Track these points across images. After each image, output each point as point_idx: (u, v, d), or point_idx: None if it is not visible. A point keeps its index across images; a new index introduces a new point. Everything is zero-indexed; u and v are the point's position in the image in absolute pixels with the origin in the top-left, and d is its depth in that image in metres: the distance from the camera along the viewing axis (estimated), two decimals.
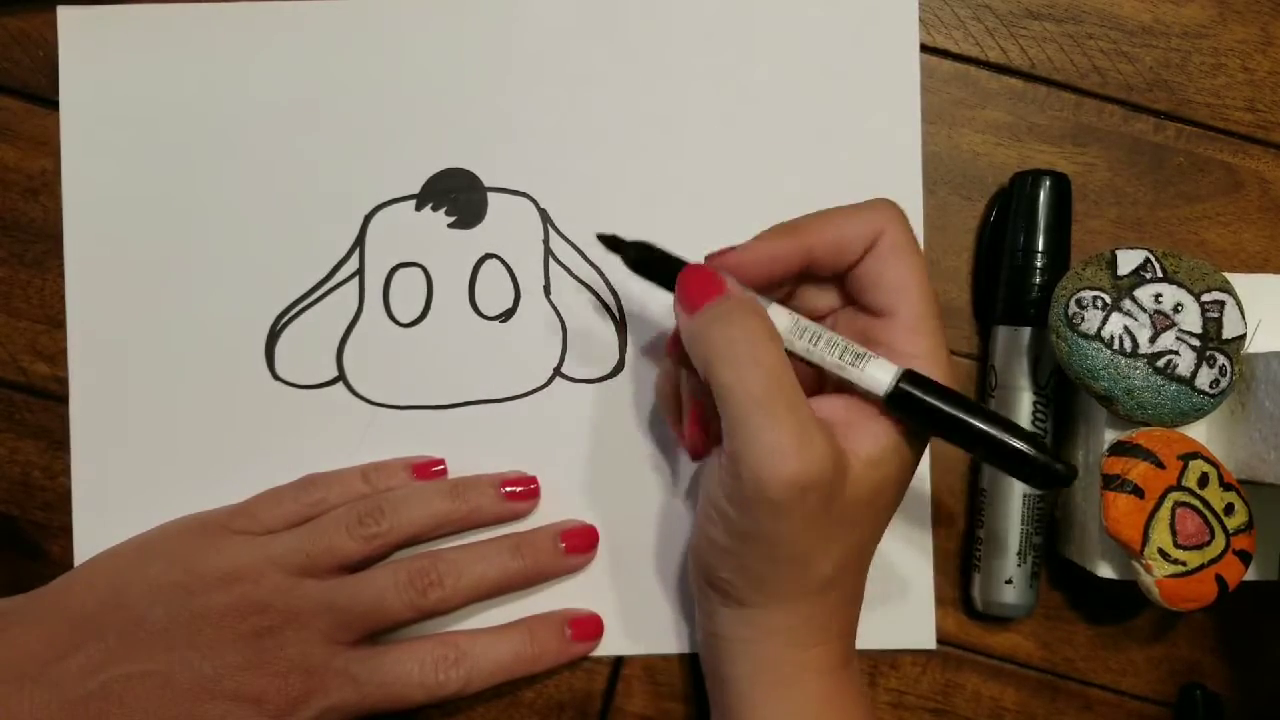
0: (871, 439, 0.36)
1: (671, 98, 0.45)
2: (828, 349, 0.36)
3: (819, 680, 0.38)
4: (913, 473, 0.38)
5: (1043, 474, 0.35)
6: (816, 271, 0.38)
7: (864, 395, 0.36)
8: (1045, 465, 0.35)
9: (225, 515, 0.42)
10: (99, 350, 0.44)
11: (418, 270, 0.45)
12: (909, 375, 0.36)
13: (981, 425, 0.35)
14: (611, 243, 0.40)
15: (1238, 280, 0.41)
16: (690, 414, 0.40)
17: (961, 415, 0.35)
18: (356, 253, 0.45)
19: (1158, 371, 0.40)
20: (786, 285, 0.39)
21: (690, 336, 0.36)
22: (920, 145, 0.45)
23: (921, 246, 0.45)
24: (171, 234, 0.45)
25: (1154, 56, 0.46)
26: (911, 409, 0.36)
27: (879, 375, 0.36)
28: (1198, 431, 0.42)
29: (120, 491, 0.44)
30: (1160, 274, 0.41)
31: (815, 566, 0.36)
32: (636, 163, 0.45)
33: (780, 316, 0.37)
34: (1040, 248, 0.43)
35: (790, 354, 0.36)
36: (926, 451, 0.44)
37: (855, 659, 0.40)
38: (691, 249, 0.45)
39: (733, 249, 0.38)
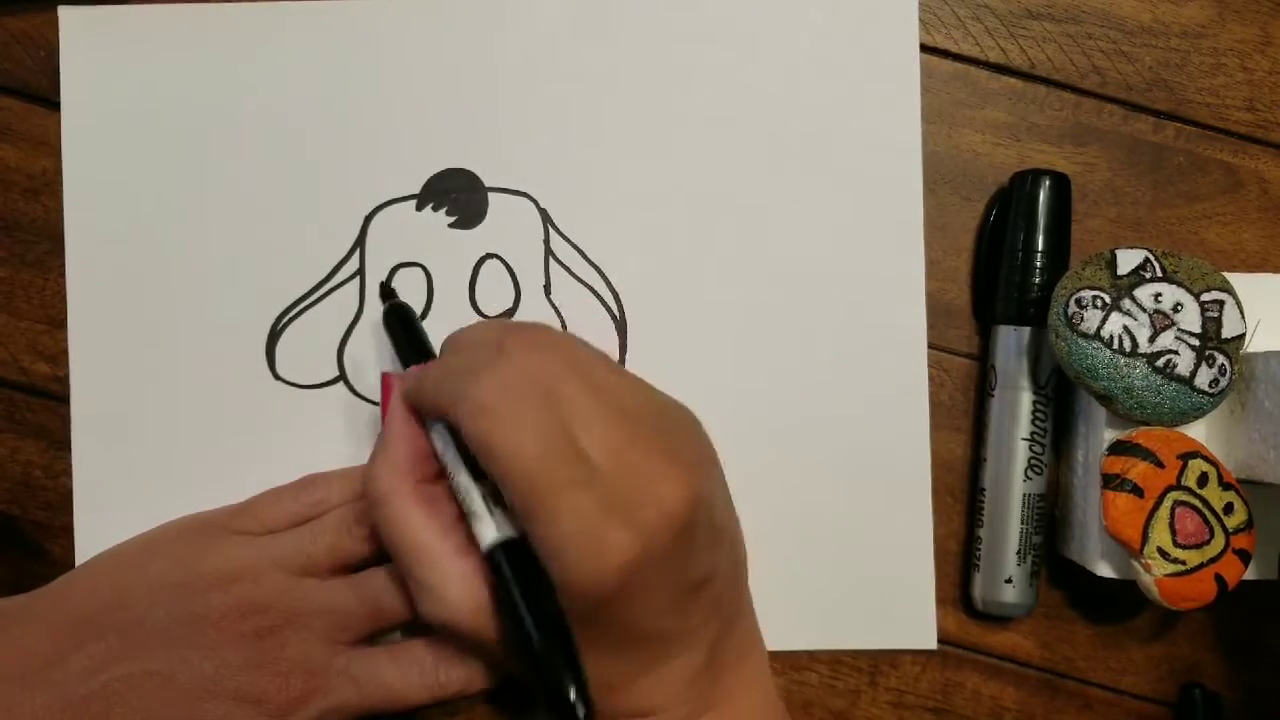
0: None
1: (671, 98, 0.45)
2: (457, 491, 0.35)
3: None
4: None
5: (556, 706, 0.31)
6: None
7: None
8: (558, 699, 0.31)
9: (226, 515, 0.42)
10: (99, 350, 0.44)
11: (418, 270, 0.45)
12: (508, 546, 0.34)
13: (524, 630, 0.32)
14: (385, 292, 0.43)
15: (1237, 280, 0.41)
16: None
17: (517, 611, 0.33)
18: (357, 253, 0.45)
19: (1157, 371, 0.40)
20: None
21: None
22: (920, 145, 0.45)
23: (921, 246, 0.45)
24: (172, 234, 0.45)
25: (1153, 56, 0.46)
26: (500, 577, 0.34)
27: (484, 535, 0.34)
28: (1197, 431, 0.42)
29: (121, 491, 0.44)
30: (1160, 273, 0.41)
31: None
32: (636, 163, 0.45)
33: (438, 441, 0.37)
34: (1040, 247, 0.43)
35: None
36: (926, 451, 0.45)
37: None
38: (691, 249, 0.45)
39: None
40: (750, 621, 0.40)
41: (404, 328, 0.42)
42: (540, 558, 0.33)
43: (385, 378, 0.41)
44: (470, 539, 0.35)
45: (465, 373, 0.34)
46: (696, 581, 0.35)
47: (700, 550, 0.35)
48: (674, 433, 0.36)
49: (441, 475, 0.37)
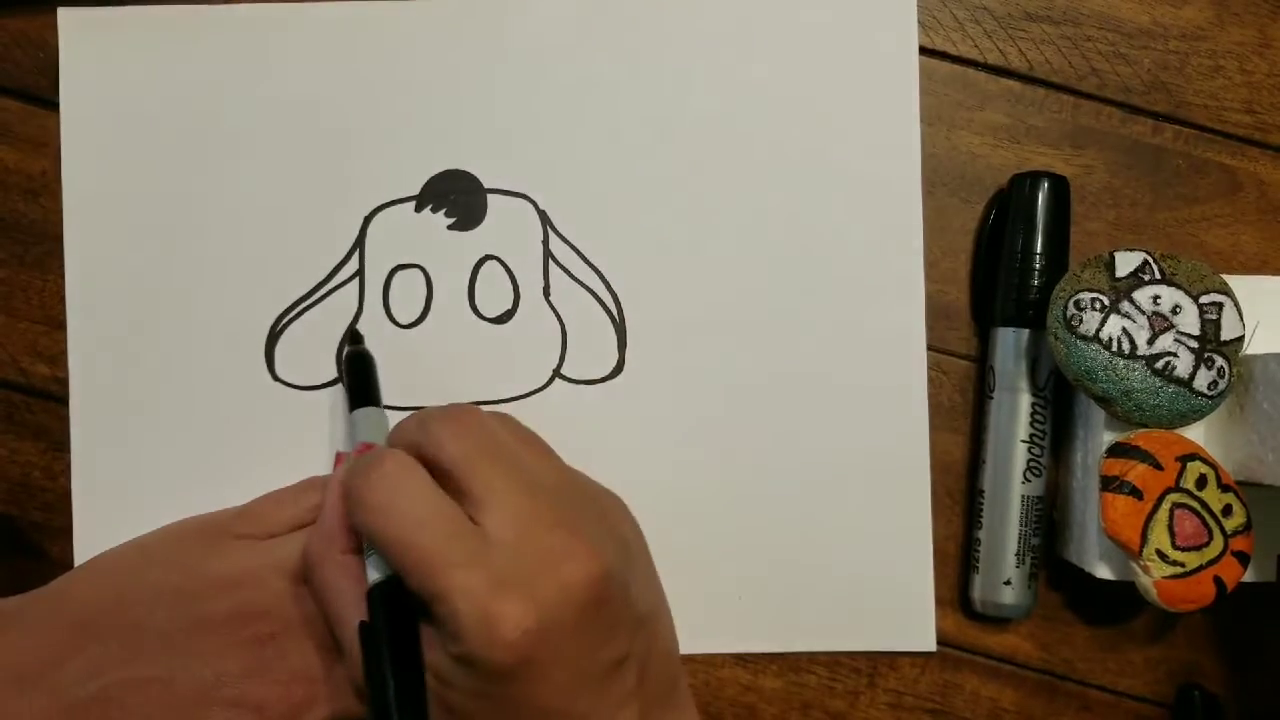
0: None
1: (671, 99, 0.45)
2: (367, 557, 0.37)
3: None
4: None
5: None
6: None
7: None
8: None
9: (227, 519, 0.42)
10: (99, 351, 0.44)
11: (417, 272, 0.45)
12: (382, 588, 0.36)
13: (375, 677, 0.35)
14: (353, 338, 0.44)
15: (1236, 282, 0.42)
16: None
17: (376, 661, 0.35)
18: (356, 254, 0.45)
19: (1156, 373, 0.40)
20: None
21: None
22: (919, 147, 0.45)
23: (920, 248, 0.45)
24: (171, 235, 0.45)
25: (1152, 58, 0.46)
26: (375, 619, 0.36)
27: (372, 572, 0.37)
28: (1196, 433, 0.42)
29: (120, 492, 0.44)
30: (1158, 276, 0.41)
31: None
32: (636, 164, 0.45)
33: None
34: (1039, 250, 0.43)
35: None
36: (925, 453, 0.45)
37: None
38: (691, 252, 0.45)
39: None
40: (688, 714, 0.40)
41: (358, 374, 0.43)
42: (444, 640, 0.34)
43: (338, 456, 0.42)
44: None
45: (357, 473, 0.36)
46: (612, 662, 0.35)
47: (615, 629, 0.35)
48: (587, 511, 0.38)
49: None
